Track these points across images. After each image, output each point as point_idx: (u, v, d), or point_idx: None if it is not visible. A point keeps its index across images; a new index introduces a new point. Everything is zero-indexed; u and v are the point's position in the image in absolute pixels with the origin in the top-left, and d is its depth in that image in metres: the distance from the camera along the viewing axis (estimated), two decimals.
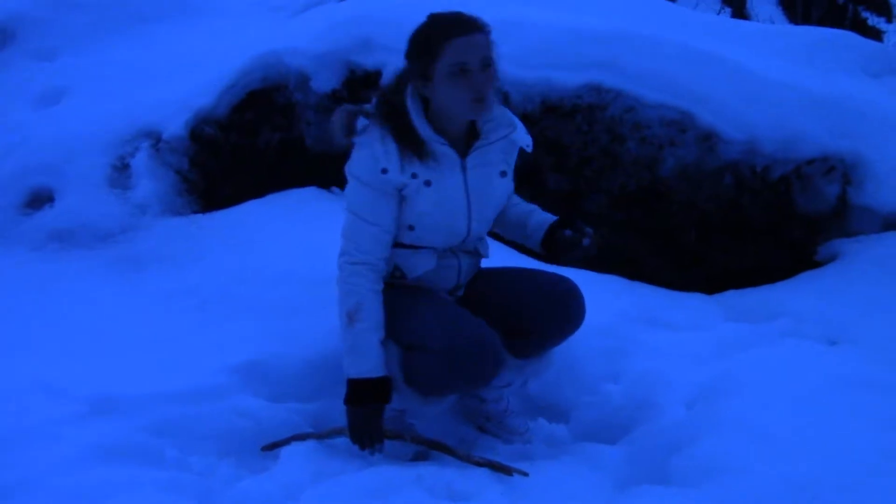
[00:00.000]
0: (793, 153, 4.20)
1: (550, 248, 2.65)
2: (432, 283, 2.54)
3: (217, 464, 2.43)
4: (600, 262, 3.97)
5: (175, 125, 3.96)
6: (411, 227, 2.42)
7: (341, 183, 3.94)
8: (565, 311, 2.59)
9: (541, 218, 2.72)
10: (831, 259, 4.05)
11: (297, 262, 3.20)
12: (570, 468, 2.40)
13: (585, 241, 2.56)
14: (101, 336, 3.05)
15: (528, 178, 3.85)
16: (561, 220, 2.69)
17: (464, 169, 2.44)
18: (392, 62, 4.17)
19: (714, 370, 2.65)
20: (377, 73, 4.14)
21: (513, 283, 2.63)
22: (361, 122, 2.38)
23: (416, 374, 2.46)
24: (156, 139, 3.98)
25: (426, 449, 2.58)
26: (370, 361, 2.32)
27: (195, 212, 3.90)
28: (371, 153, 2.33)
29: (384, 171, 2.33)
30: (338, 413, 2.76)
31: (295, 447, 2.47)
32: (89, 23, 4.84)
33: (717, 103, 4.08)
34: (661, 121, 4.13)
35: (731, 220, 4.23)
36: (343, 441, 2.58)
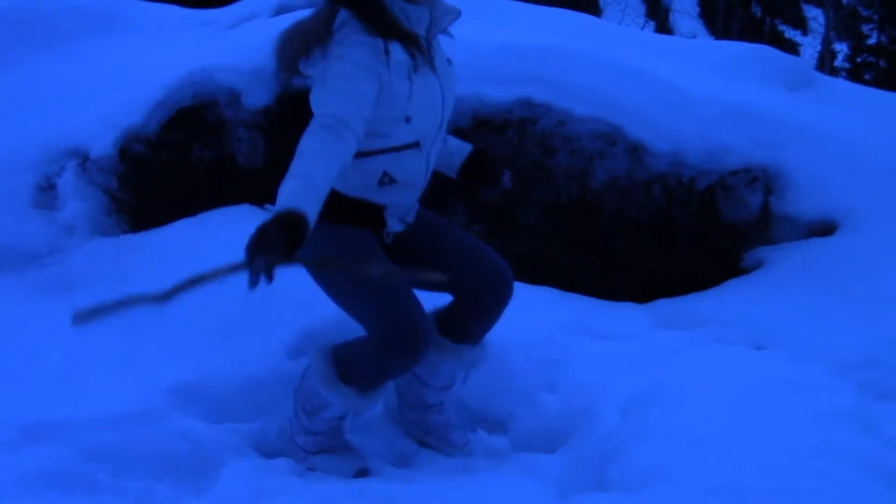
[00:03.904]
0: (717, 164, 4.33)
1: (468, 175, 2.72)
2: (410, 186, 2.52)
3: (154, 486, 2.39)
4: (533, 273, 4.03)
5: (103, 144, 3.88)
6: (408, 119, 2.38)
7: (274, 199, 3.90)
8: (501, 292, 2.65)
9: (456, 142, 2.77)
10: (756, 266, 4.18)
11: (229, 282, 3.16)
12: (512, 479, 2.43)
13: (505, 181, 2.73)
14: (29, 361, 2.98)
15: (461, 190, 3.89)
16: (479, 151, 2.74)
17: (431, 56, 2.46)
18: None
19: (647, 378, 2.71)
20: (306, 91, 4.12)
21: (458, 256, 2.64)
22: (341, 15, 2.35)
23: (352, 366, 2.48)
24: (83, 158, 3.90)
25: (368, 467, 2.58)
26: (311, 200, 2.12)
27: (125, 232, 3.83)
28: (362, 37, 2.31)
29: (387, 51, 2.30)
30: (276, 432, 2.74)
31: (236, 466, 2.44)
32: (12, 39, 4.72)
33: (645, 116, 4.18)
34: (591, 134, 4.21)
35: (659, 229, 4.33)
36: (284, 462, 2.56)
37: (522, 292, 2.85)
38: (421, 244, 2.64)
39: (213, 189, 4.06)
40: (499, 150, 4.21)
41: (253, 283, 2.01)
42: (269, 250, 1.99)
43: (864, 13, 33.62)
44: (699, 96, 4.34)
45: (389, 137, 2.39)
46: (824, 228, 4.23)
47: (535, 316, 2.83)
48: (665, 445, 2.28)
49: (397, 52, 2.32)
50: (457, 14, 2.48)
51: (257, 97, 4.13)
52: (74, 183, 3.78)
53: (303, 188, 2.11)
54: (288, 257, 2.03)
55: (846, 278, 3.77)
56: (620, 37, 5.02)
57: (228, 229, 3.58)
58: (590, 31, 4.93)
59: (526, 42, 4.14)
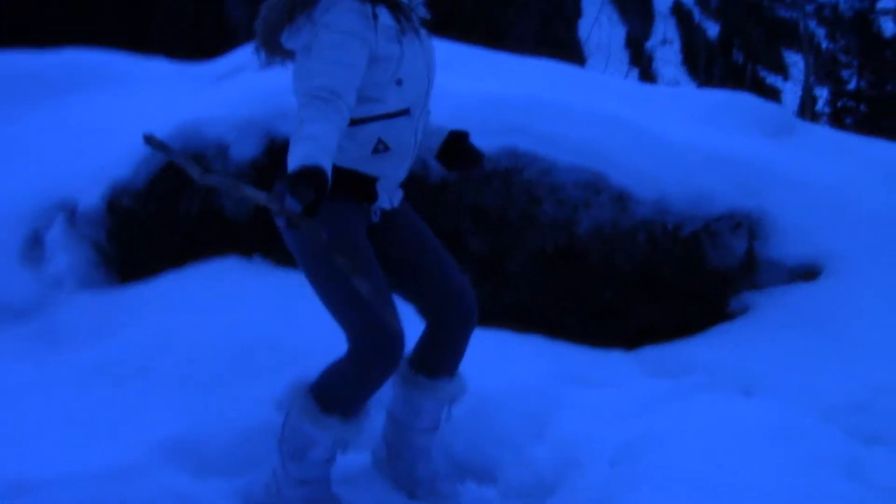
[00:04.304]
0: (701, 210, 4.38)
1: (447, 156, 2.72)
2: (401, 156, 2.51)
3: None
4: (521, 321, 4.04)
5: (91, 197, 3.91)
6: (399, 82, 2.39)
7: (263, 250, 3.93)
8: (468, 316, 2.66)
9: (435, 125, 2.76)
10: (743, 311, 4.21)
11: (217, 334, 3.17)
12: None
13: (484, 165, 2.77)
14: (15, 416, 2.95)
15: (449, 241, 3.91)
16: (457, 132, 2.74)
17: (415, 23, 2.48)
18: None
19: (635, 427, 2.71)
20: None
21: (431, 273, 2.64)
22: None
23: (331, 391, 2.48)
24: (71, 212, 3.92)
25: None
26: (325, 157, 2.12)
27: (112, 284, 3.83)
28: (352, 4, 2.30)
29: (375, 15, 2.31)
30: (263, 488, 2.71)
31: None
32: (2, 94, 4.77)
33: (628, 165, 4.24)
34: (576, 183, 4.26)
35: (646, 276, 4.36)
36: None
37: (509, 341, 2.87)
38: (403, 238, 2.64)
39: (201, 241, 4.07)
40: (486, 200, 4.25)
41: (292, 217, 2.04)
42: (306, 208, 2.02)
43: (844, 59, 34.24)
44: (681, 144, 4.40)
45: (382, 103, 2.39)
46: (808, 273, 4.27)
47: (522, 365, 2.84)
48: (655, 496, 2.28)
49: (385, 16, 2.34)
50: None
51: (246, 149, 4.17)
52: (62, 236, 3.80)
53: (313, 148, 2.11)
54: (317, 211, 2.04)
55: (831, 323, 3.80)
56: (603, 86, 5.10)
57: (216, 282, 3.60)
58: (572, 81, 5.01)
59: (510, 93, 4.20)
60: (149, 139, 2.26)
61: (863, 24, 33.12)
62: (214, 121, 4.15)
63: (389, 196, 2.58)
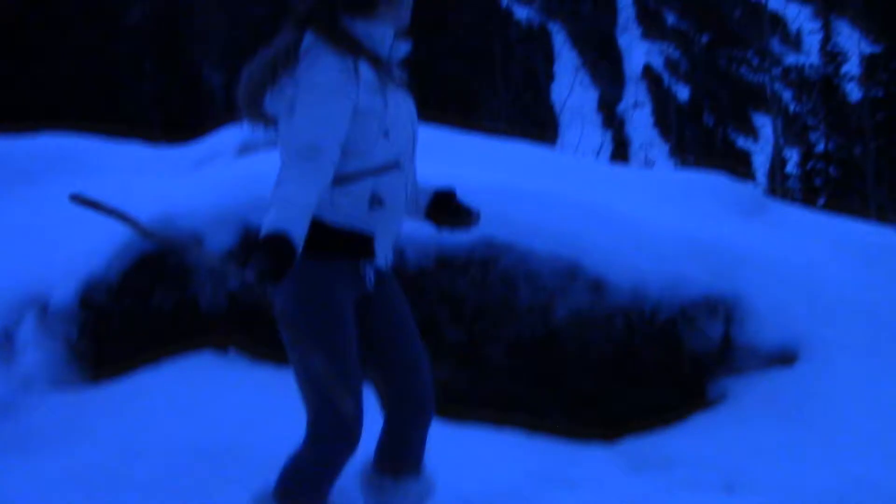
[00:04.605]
0: (678, 296, 4.40)
1: (436, 214, 2.68)
2: (396, 210, 2.48)
3: None
4: (499, 411, 4.01)
5: (63, 292, 3.86)
6: (386, 133, 2.37)
7: (239, 342, 3.88)
8: (424, 412, 2.61)
9: (422, 184, 2.71)
10: (721, 398, 4.20)
11: (193, 438, 3.11)
12: None
13: (475, 221, 2.69)
14: None
15: (425, 330, 3.88)
16: (445, 191, 2.70)
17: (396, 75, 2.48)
18: None
19: None
20: None
21: (400, 363, 2.58)
22: (307, 38, 2.34)
23: (292, 488, 2.41)
24: (43, 308, 3.87)
25: None
26: (295, 221, 2.12)
27: (84, 382, 3.76)
28: (333, 59, 2.30)
29: (356, 70, 2.30)
30: None
31: None
32: None
33: (604, 252, 4.26)
34: (552, 270, 4.28)
35: (624, 361, 4.35)
36: None
37: (487, 439, 2.83)
38: (383, 316, 2.57)
39: (175, 335, 4.02)
40: (462, 288, 4.25)
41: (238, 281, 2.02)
42: (261, 276, 2.02)
43: (811, 122, 34.99)
44: (656, 229, 4.44)
45: (371, 156, 2.38)
46: (785, 358, 4.28)
47: (500, 465, 2.80)
48: None
49: (366, 70, 2.34)
50: (408, 44, 2.53)
51: (221, 241, 4.15)
52: (33, 334, 3.75)
53: (285, 212, 2.11)
54: (278, 280, 2.05)
55: (809, 412, 3.80)
56: (577, 169, 5.16)
57: (191, 381, 3.54)
58: (547, 164, 5.06)
59: (487, 181, 4.23)
60: (75, 198, 2.24)
61: (828, 89, 33.93)
62: (189, 213, 4.14)
63: (385, 254, 2.56)
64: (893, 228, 5.35)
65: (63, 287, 3.89)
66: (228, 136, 5.32)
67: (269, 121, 2.48)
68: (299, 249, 2.13)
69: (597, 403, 4.26)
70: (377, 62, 2.40)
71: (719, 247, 4.54)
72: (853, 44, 33.07)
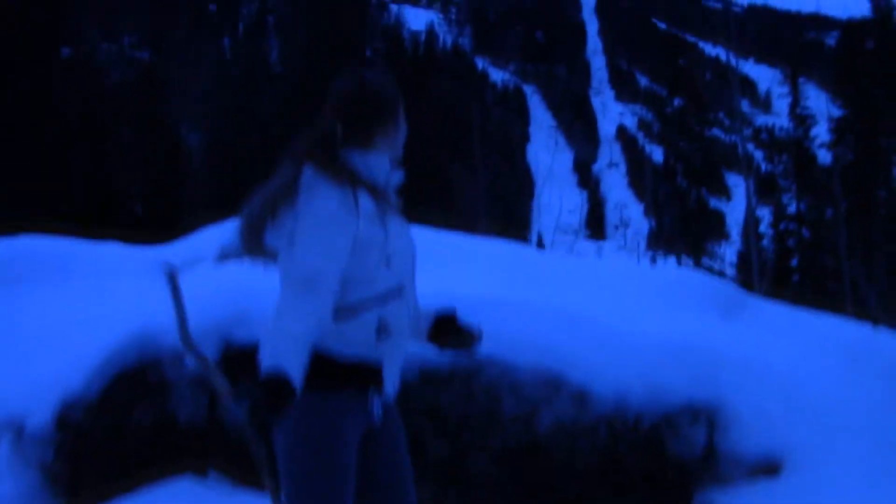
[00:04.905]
0: (661, 403, 4.40)
1: (438, 337, 2.65)
2: (401, 337, 2.46)
3: None
4: None
5: (41, 414, 3.79)
6: (388, 260, 2.38)
7: (219, 462, 3.81)
8: None
9: (422, 306, 2.68)
10: None
11: None
12: None
13: (476, 346, 2.68)
14: None
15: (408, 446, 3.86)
16: (446, 312, 2.67)
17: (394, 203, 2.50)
18: None
19: None
20: (254, 348, 4.13)
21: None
22: (307, 173, 2.36)
23: None
24: (18, 431, 3.79)
25: None
26: (294, 357, 2.16)
27: None
28: (332, 191, 2.32)
29: (356, 201, 2.31)
30: None
31: None
32: None
33: (587, 362, 4.26)
34: (536, 381, 4.26)
35: (609, 470, 4.33)
36: None
37: None
38: (381, 454, 2.50)
39: (154, 456, 3.95)
40: (446, 402, 4.22)
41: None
42: (262, 416, 2.06)
43: (783, 183, 35.50)
44: (638, 336, 4.45)
45: (375, 283, 2.37)
46: (769, 468, 4.27)
47: None
48: None
49: (365, 200, 2.36)
50: (401, 174, 2.54)
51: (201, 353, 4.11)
52: (8, 460, 3.66)
53: (283, 349, 2.12)
54: (276, 419, 2.08)
55: None
56: (556, 271, 5.17)
57: None
58: (525, 266, 5.07)
59: (470, 294, 4.23)
60: (168, 270, 2.34)
61: (799, 151, 34.47)
62: (169, 329, 4.07)
63: (393, 382, 2.51)
64: (869, 324, 5.40)
65: (40, 408, 3.82)
66: (208, 239, 5.31)
67: (269, 255, 2.49)
68: (298, 388, 2.13)
69: None
70: (376, 192, 2.42)
71: (700, 352, 4.55)
72: (822, 104, 33.72)
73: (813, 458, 4.21)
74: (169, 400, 4.11)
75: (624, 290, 5.09)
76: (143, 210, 32.68)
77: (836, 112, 31.65)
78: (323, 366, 2.30)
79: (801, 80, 37.51)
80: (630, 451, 4.35)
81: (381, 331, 2.41)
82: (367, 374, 2.42)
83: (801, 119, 34.95)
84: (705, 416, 4.42)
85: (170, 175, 34.68)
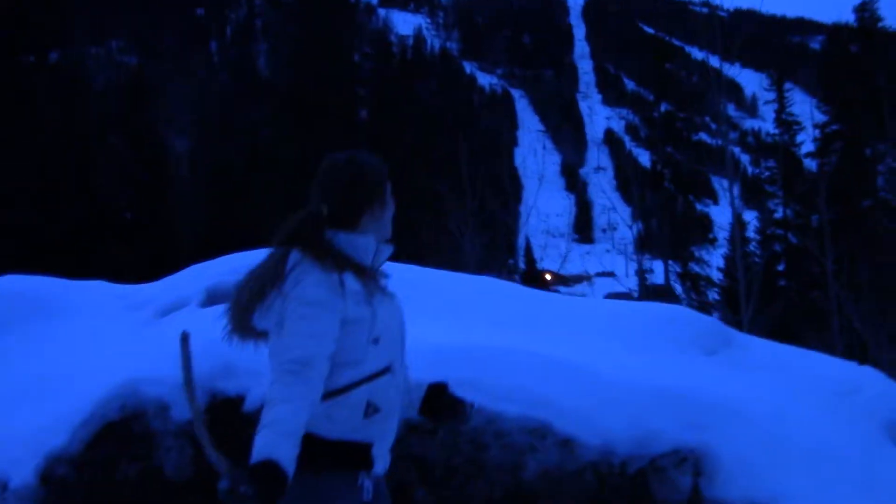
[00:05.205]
0: (646, 448, 4.41)
1: (431, 410, 2.72)
2: (391, 415, 2.48)
3: None
4: None
5: (24, 471, 3.78)
6: (376, 341, 2.39)
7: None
8: None
9: (413, 379, 2.72)
10: None
11: None
12: None
13: (469, 413, 2.75)
14: None
15: (394, 494, 3.86)
16: (438, 385, 2.74)
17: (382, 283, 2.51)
18: (254, 387, 4.19)
19: None
20: (240, 399, 4.14)
21: None
22: (293, 256, 2.38)
23: None
24: (2, 487, 3.77)
25: None
26: (285, 447, 2.19)
27: None
28: (319, 275, 2.34)
29: (342, 283, 2.33)
30: None
31: None
32: None
33: (573, 411, 4.27)
34: (522, 429, 4.27)
35: None
36: None
37: None
38: None
39: None
40: (431, 451, 4.22)
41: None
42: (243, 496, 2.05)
43: (770, 189, 35.65)
44: (624, 383, 4.46)
45: (363, 364, 2.39)
46: None
47: None
48: None
49: (351, 282, 2.37)
50: (390, 249, 2.57)
51: (186, 409, 4.09)
52: None
53: (275, 436, 2.15)
54: None
55: None
56: (541, 311, 5.18)
57: None
58: (510, 308, 5.08)
59: (450, 344, 4.24)
60: (183, 338, 2.49)
61: (785, 157, 34.59)
62: (154, 380, 4.09)
63: (383, 460, 2.54)
64: (854, 363, 5.44)
65: (24, 465, 3.80)
66: (193, 279, 5.29)
67: (259, 335, 2.50)
68: (290, 474, 2.15)
69: None
70: (363, 272, 2.44)
71: (686, 396, 4.57)
72: (809, 109, 33.84)
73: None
74: (155, 452, 4.09)
75: (610, 331, 5.10)
76: (132, 215, 32.55)
77: (822, 118, 31.79)
78: (312, 447, 2.32)
79: (787, 84, 37.68)
80: (616, 497, 4.36)
81: (370, 411, 2.42)
82: (356, 454, 2.44)
83: (787, 125, 35.09)
84: (691, 462, 4.43)
85: (157, 180, 34.57)
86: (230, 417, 4.12)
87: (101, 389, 4.08)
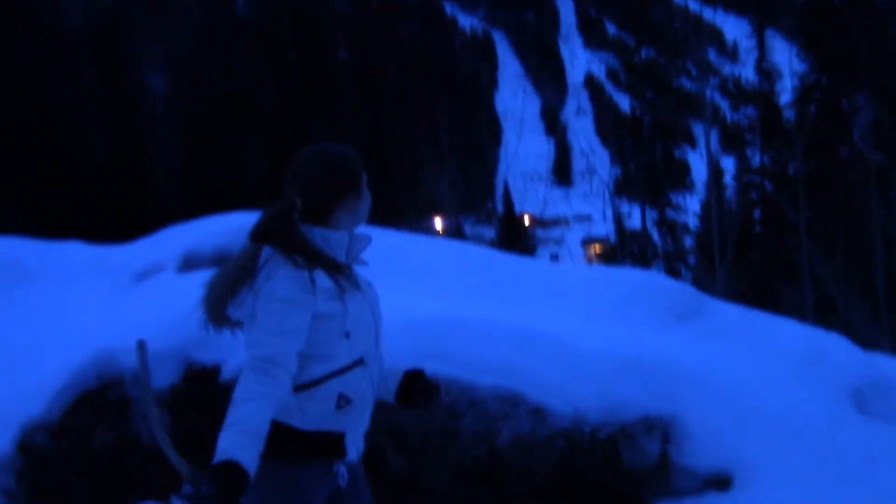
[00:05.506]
0: (617, 416, 4.51)
1: (406, 396, 2.75)
2: (363, 406, 2.52)
3: None
4: None
5: (1, 440, 3.80)
6: (347, 335, 2.43)
7: (179, 489, 3.87)
8: None
9: (388, 366, 2.75)
10: None
11: None
12: None
13: (442, 397, 2.82)
14: None
15: (367, 461, 3.93)
16: (413, 372, 2.77)
17: (354, 277, 2.55)
18: (231, 358, 4.22)
19: None
20: (216, 369, 4.17)
21: None
22: (265, 252, 2.42)
23: None
24: None
25: None
26: (248, 447, 2.22)
27: None
28: (289, 271, 2.37)
29: (312, 280, 2.37)
30: None
31: None
32: None
33: (545, 381, 4.35)
34: (495, 398, 4.34)
35: (565, 481, 4.44)
36: None
37: None
38: None
39: (117, 478, 3.99)
40: (407, 420, 4.29)
41: None
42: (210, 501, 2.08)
43: (748, 137, 35.70)
44: (596, 353, 4.54)
45: (335, 358, 2.43)
46: (720, 481, 4.41)
47: None
48: None
49: (322, 279, 2.40)
50: (367, 240, 2.59)
51: (164, 377, 4.14)
52: None
53: (238, 436, 2.18)
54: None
55: None
56: (515, 279, 5.22)
57: None
58: (484, 277, 5.11)
59: (430, 316, 4.28)
60: (140, 345, 2.48)
61: (764, 105, 34.56)
62: (130, 349, 4.06)
63: (356, 446, 2.59)
64: (823, 330, 5.53)
65: (1, 435, 3.83)
66: (169, 243, 5.28)
67: (235, 324, 2.53)
68: (252, 473, 2.18)
69: None
70: (335, 267, 2.46)
71: (656, 365, 4.65)
72: (788, 58, 33.73)
73: (763, 471, 4.35)
74: (132, 420, 4.13)
75: (583, 299, 5.16)
76: (106, 159, 32.10)
77: (801, 67, 31.69)
78: (284, 438, 2.37)
79: (768, 32, 37.46)
80: (586, 463, 4.47)
81: (341, 402, 2.46)
82: (329, 444, 2.48)
83: (767, 73, 34.98)
84: (660, 429, 4.53)
85: (133, 121, 34.09)
86: (206, 387, 4.16)
87: (77, 358, 4.10)
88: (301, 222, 2.48)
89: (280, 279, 2.37)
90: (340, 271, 2.48)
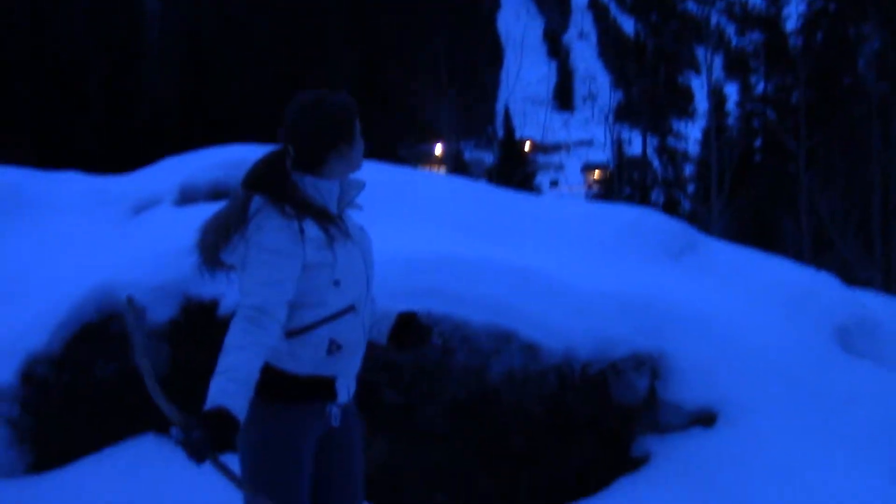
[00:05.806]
0: (607, 353, 4.60)
1: (399, 339, 2.83)
2: (354, 350, 2.61)
3: None
4: (434, 488, 4.20)
5: (5, 371, 3.90)
6: (337, 283, 2.50)
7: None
8: None
9: (381, 309, 2.85)
10: (644, 458, 4.45)
11: None
12: None
13: (435, 339, 2.86)
14: None
15: (364, 392, 4.03)
16: (406, 314, 2.84)
17: (345, 225, 2.61)
18: (229, 292, 4.29)
19: None
20: (214, 303, 4.24)
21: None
22: (256, 201, 2.47)
23: None
24: None
25: None
26: (237, 394, 2.30)
27: (28, 465, 3.83)
28: (279, 222, 2.43)
29: (301, 230, 2.42)
30: None
31: None
32: None
33: (538, 319, 4.42)
34: (487, 333, 4.43)
35: (555, 418, 4.56)
36: None
37: None
38: (335, 460, 2.69)
39: (118, 410, 4.09)
40: (401, 356, 4.38)
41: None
42: (201, 450, 2.17)
43: (753, 64, 35.24)
44: (588, 292, 4.60)
45: (325, 305, 2.50)
46: (706, 418, 4.53)
47: None
48: None
49: (312, 229, 2.45)
50: (361, 186, 2.65)
51: (162, 311, 4.21)
52: None
53: (228, 383, 2.27)
54: (216, 453, 2.21)
55: (726, 481, 4.05)
56: (508, 213, 5.25)
57: (131, 472, 3.64)
58: (477, 214, 5.14)
59: (417, 253, 4.33)
60: (129, 301, 2.51)
61: (769, 31, 34.05)
62: (130, 284, 4.16)
63: (348, 389, 2.67)
64: (815, 269, 5.60)
65: (5, 365, 3.92)
66: (167, 174, 5.30)
67: (229, 268, 2.57)
68: (241, 420, 2.27)
69: (530, 465, 4.47)
70: (325, 217, 2.50)
71: (648, 303, 4.73)
72: None
73: (746, 411, 4.46)
74: (131, 351, 4.22)
75: (577, 237, 5.21)
76: (99, 84, 31.69)
77: None
78: (278, 381, 2.47)
79: None
80: (576, 399, 4.57)
81: (332, 348, 2.54)
82: (320, 387, 2.57)
83: None
84: (649, 366, 4.63)
85: (128, 39, 33.59)
86: (204, 321, 4.24)
87: (78, 290, 4.16)
88: (293, 170, 2.52)
89: (269, 230, 2.42)
90: (331, 220, 2.52)
